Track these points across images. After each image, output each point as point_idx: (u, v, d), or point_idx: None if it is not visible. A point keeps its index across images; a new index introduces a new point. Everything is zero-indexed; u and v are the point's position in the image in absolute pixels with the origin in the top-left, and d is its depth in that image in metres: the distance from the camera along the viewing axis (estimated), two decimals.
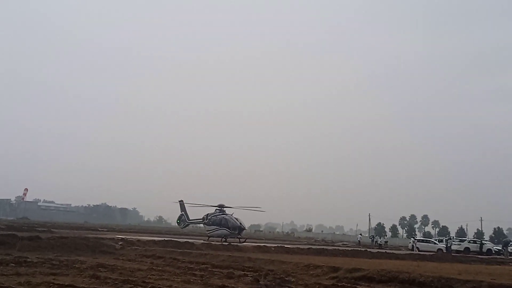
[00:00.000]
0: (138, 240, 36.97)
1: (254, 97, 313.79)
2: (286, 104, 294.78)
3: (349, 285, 17.01)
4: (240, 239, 49.67)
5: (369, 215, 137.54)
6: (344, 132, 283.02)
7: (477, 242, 69.36)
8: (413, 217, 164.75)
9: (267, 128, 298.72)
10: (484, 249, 63.36)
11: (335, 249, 45.23)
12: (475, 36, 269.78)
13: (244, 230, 54.65)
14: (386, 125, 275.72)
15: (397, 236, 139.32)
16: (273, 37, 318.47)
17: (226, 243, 41.59)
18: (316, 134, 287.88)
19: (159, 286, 14.08)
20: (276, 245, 43.06)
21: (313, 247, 45.58)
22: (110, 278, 15.33)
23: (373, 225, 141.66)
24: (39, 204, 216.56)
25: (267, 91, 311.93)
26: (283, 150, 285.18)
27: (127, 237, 41.94)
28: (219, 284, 15.15)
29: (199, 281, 16.04)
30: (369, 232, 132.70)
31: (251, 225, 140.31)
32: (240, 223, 51.65)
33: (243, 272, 19.59)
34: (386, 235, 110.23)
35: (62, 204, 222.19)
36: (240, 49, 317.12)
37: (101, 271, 17.21)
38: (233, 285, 15.26)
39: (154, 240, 38.02)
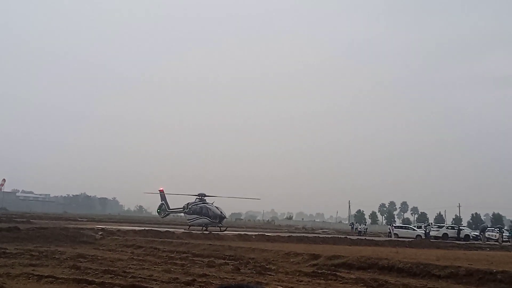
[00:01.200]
0: (118, 230, 36.86)
1: (231, 74, 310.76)
2: (268, 87, 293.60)
3: (329, 272, 17.15)
4: (221, 228, 49.70)
5: (349, 202, 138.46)
6: (324, 120, 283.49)
7: (455, 228, 70.09)
8: (392, 204, 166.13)
9: (246, 114, 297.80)
10: (462, 235, 64.09)
11: (316, 236, 45.53)
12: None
13: (225, 219, 54.73)
14: (362, 113, 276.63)
15: (377, 223, 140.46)
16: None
17: (207, 232, 41.60)
18: (296, 121, 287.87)
19: (139, 275, 14.07)
20: (257, 233, 43.24)
21: (294, 235, 45.82)
22: (90, 268, 15.29)
23: (353, 212, 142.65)
24: (17, 194, 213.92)
25: (245, 67, 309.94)
26: (263, 139, 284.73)
27: (107, 227, 41.78)
28: (200, 273, 15.20)
29: (180, 270, 16.07)
30: (349, 219, 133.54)
31: (231, 213, 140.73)
32: (221, 212, 51.69)
33: (224, 261, 19.68)
34: (366, 222, 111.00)
35: (41, 195, 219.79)
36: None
37: (81, 262, 17.16)
38: (214, 274, 15.32)
39: (135, 230, 37.93)
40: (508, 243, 56.33)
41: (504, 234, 65.48)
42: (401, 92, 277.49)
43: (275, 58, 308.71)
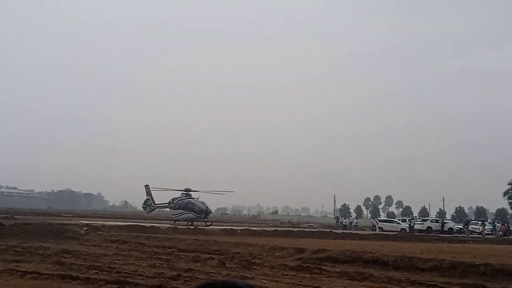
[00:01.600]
0: (103, 225, 36.71)
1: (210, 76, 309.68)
2: (252, 86, 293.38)
3: (314, 266, 17.25)
4: (207, 223, 49.68)
5: (335, 197, 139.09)
6: (309, 116, 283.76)
7: (439, 221, 70.78)
8: (377, 198, 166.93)
9: (231, 109, 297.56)
10: (446, 228, 64.69)
11: (301, 230, 45.63)
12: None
13: (211, 214, 54.74)
14: (352, 110, 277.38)
15: (362, 217, 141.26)
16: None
17: (193, 227, 41.54)
18: (280, 117, 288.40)
19: (124, 271, 14.05)
20: (242, 228, 43.23)
21: (279, 229, 45.92)
22: (75, 264, 15.23)
23: (338, 206, 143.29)
24: (1, 190, 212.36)
25: (231, 66, 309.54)
26: (248, 133, 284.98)
27: (92, 222, 41.52)
28: (185, 268, 15.20)
29: (165, 265, 16.07)
30: (334, 213, 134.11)
31: (217, 208, 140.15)
32: (207, 207, 51.70)
33: (210, 256, 19.71)
34: (351, 216, 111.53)
35: (25, 190, 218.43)
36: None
37: (66, 257, 17.08)
38: (199, 269, 15.33)
39: (120, 225, 37.83)
40: (491, 236, 56.96)
41: (487, 227, 66.29)
42: (388, 89, 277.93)
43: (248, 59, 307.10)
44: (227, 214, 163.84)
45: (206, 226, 45.60)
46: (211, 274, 14.42)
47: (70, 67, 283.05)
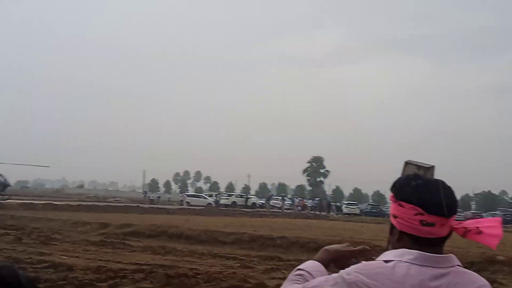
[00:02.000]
0: None
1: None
2: None
3: (118, 241, 17.03)
4: (4, 196, 46.41)
5: (144, 172, 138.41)
6: (112, 85, 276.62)
7: (243, 196, 74.04)
8: (186, 173, 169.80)
9: None
10: (249, 203, 67.77)
11: (107, 205, 44.73)
12: None
13: (9, 187, 51.24)
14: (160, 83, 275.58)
15: (170, 192, 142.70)
16: None
17: None
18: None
19: None
20: (44, 202, 41.17)
21: (84, 203, 44.53)
22: None
23: (148, 181, 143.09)
24: None
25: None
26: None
27: None
28: None
29: None
30: (142, 188, 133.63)
31: (17, 181, 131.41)
32: (5, 180, 48.20)
33: (5, 231, 18.44)
34: (159, 191, 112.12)
35: None
36: None
37: None
38: None
39: None
40: (290, 211, 60.91)
41: (286, 202, 70.83)
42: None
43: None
44: (28, 187, 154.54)
45: (3, 200, 42.61)
46: (5, 250, 13.50)
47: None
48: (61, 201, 48.96)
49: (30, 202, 38.99)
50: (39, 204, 37.80)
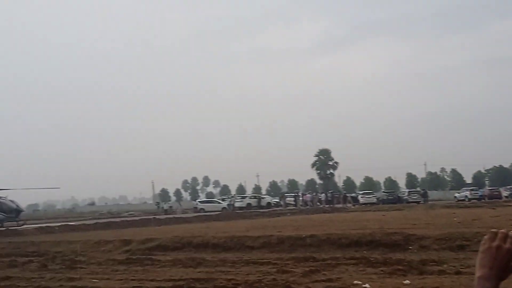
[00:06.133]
0: None
1: None
2: None
3: (144, 257, 16.67)
4: (19, 222, 46.19)
5: (152, 182, 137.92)
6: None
7: (257, 197, 73.66)
8: (195, 179, 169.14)
9: None
10: (264, 203, 67.37)
11: (123, 220, 44.44)
12: None
13: (22, 212, 51.04)
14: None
15: (181, 200, 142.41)
16: None
17: (3, 229, 38.34)
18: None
19: None
20: (59, 224, 40.92)
21: (100, 221, 44.26)
22: None
23: (157, 191, 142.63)
24: None
25: None
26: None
27: None
28: (2, 276, 13.72)
29: None
30: (153, 198, 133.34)
31: (27, 205, 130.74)
32: (17, 205, 48.05)
33: (28, 259, 18.09)
34: (170, 200, 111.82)
35: None
36: None
37: None
38: (18, 275, 13.95)
39: None
40: (306, 207, 60.60)
41: (300, 198, 70.50)
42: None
43: None
44: (39, 210, 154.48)
45: (18, 226, 42.38)
46: (33, 279, 13.16)
47: None
48: (76, 221, 48.81)
49: (47, 226, 38.72)
50: (55, 226, 37.53)
